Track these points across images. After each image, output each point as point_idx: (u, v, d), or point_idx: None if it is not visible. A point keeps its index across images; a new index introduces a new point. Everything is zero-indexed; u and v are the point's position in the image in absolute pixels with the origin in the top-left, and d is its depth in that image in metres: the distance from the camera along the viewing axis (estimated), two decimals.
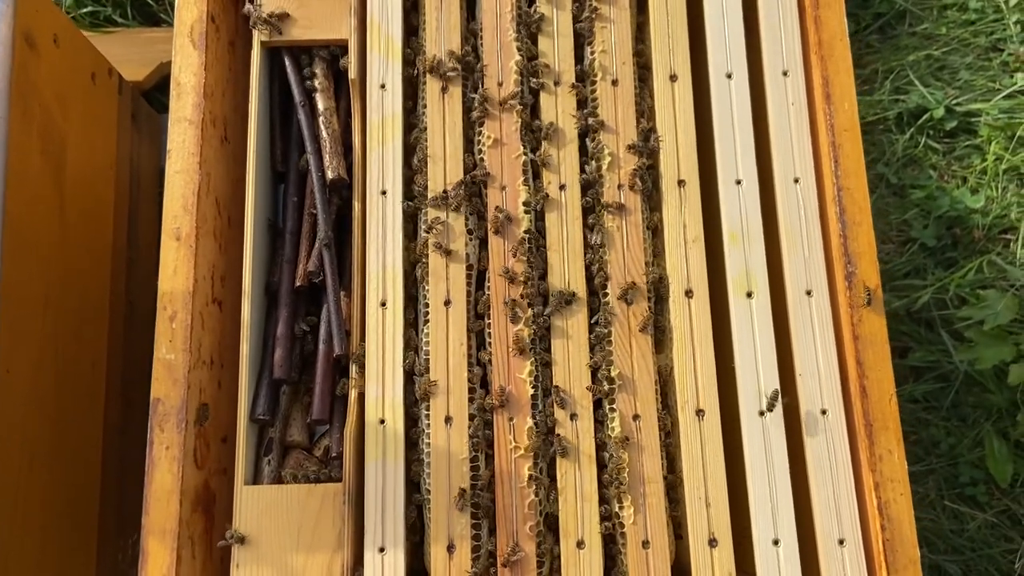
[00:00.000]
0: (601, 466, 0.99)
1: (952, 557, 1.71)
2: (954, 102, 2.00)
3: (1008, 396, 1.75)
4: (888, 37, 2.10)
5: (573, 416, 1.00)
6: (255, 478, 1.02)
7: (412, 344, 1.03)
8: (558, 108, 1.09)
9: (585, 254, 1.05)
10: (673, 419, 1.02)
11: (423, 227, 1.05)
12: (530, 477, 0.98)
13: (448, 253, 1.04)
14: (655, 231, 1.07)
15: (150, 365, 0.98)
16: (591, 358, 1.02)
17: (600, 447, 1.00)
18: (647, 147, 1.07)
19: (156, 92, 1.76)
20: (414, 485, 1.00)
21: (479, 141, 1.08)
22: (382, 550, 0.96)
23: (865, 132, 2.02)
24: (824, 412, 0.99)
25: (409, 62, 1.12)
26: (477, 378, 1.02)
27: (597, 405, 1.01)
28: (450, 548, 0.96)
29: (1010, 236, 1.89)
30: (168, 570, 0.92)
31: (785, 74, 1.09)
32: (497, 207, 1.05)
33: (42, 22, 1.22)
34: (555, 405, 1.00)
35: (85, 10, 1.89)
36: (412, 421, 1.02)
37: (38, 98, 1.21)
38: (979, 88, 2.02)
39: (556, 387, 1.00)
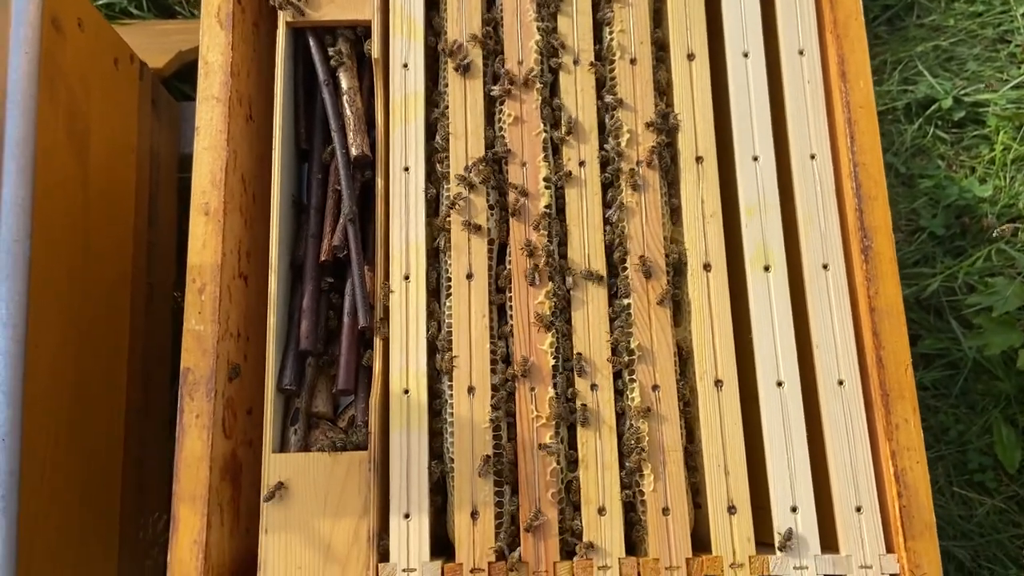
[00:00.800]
0: (621, 435, 1.01)
1: (961, 543, 1.73)
2: (962, 92, 2.01)
3: (1017, 383, 1.77)
4: (896, 28, 2.12)
5: (594, 387, 1.02)
6: (282, 447, 1.04)
7: (436, 316, 1.05)
8: (577, 87, 1.11)
9: (604, 229, 1.07)
10: (692, 390, 1.03)
11: (446, 202, 1.07)
12: (548, 446, 0.99)
13: (470, 228, 1.06)
14: (674, 206, 1.09)
15: (171, 346, 1.00)
16: (611, 331, 1.04)
17: (620, 417, 1.02)
18: (666, 125, 1.09)
19: (175, 80, 1.78)
20: (438, 454, 1.02)
21: (500, 119, 1.10)
22: (407, 516, 0.97)
23: None
24: (841, 383, 1.01)
25: (431, 43, 1.14)
26: (499, 350, 1.03)
27: (617, 376, 1.03)
28: (474, 515, 0.97)
29: (1019, 224, 1.91)
30: (199, 535, 0.94)
31: (801, 53, 1.11)
32: (517, 184, 1.07)
33: (68, 6, 1.24)
34: (576, 374, 1.01)
35: (101, 1, 1.92)
36: (436, 392, 1.03)
37: (64, 80, 1.23)
38: (987, 79, 2.04)
39: (579, 354, 1.02)
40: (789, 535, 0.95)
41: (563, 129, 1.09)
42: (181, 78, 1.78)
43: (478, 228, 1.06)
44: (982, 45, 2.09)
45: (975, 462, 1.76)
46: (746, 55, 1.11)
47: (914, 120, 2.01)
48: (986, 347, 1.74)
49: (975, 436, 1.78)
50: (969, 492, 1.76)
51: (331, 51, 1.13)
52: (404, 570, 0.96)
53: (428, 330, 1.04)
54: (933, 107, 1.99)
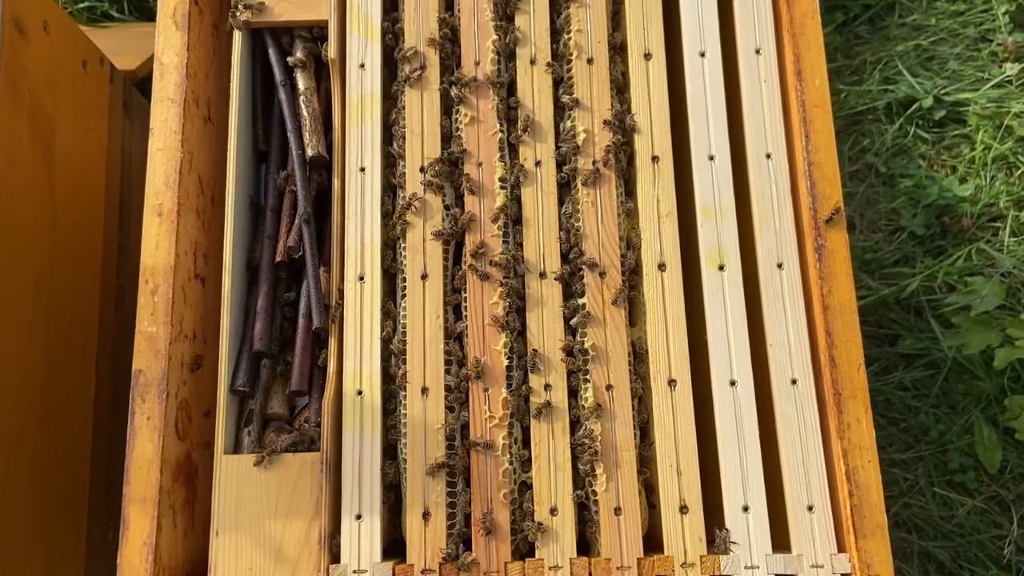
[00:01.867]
0: (575, 435, 1.00)
1: (941, 543, 1.72)
2: (943, 92, 2.01)
3: (997, 383, 1.76)
4: (877, 28, 2.12)
5: (547, 387, 1.01)
6: (235, 449, 1.04)
7: (390, 316, 1.05)
8: (534, 86, 1.10)
9: (560, 228, 1.07)
10: (646, 389, 1.03)
11: (401, 202, 1.07)
12: (503, 446, 0.99)
13: (425, 228, 1.06)
14: (628, 208, 1.09)
15: None
16: (565, 330, 1.03)
17: (574, 417, 1.01)
18: (622, 125, 1.09)
19: (148, 82, 1.78)
20: (391, 455, 1.02)
21: (456, 119, 1.10)
22: (359, 517, 0.97)
23: (854, 122, 2.04)
24: (794, 382, 1.00)
25: (388, 42, 1.14)
26: (454, 350, 1.03)
27: (571, 376, 1.03)
28: (426, 515, 0.97)
29: (998, 224, 1.90)
30: (148, 537, 0.94)
31: (758, 52, 1.10)
32: (473, 183, 1.07)
33: (32, 8, 1.25)
34: (529, 370, 1.01)
35: (82, 5, 1.92)
36: (389, 392, 1.03)
37: (27, 82, 1.23)
38: (968, 78, 2.03)
39: (534, 350, 1.02)
40: (725, 538, 0.95)
41: (519, 129, 1.09)
42: None
43: (433, 229, 1.06)
44: (963, 44, 2.08)
45: (956, 462, 1.76)
46: (703, 54, 1.11)
47: (895, 120, 2.01)
48: (965, 346, 1.73)
49: (956, 436, 1.77)
50: (950, 492, 1.76)
51: (290, 59, 1.13)
52: (355, 571, 0.96)
53: (383, 331, 1.03)
54: (914, 106, 1.99)
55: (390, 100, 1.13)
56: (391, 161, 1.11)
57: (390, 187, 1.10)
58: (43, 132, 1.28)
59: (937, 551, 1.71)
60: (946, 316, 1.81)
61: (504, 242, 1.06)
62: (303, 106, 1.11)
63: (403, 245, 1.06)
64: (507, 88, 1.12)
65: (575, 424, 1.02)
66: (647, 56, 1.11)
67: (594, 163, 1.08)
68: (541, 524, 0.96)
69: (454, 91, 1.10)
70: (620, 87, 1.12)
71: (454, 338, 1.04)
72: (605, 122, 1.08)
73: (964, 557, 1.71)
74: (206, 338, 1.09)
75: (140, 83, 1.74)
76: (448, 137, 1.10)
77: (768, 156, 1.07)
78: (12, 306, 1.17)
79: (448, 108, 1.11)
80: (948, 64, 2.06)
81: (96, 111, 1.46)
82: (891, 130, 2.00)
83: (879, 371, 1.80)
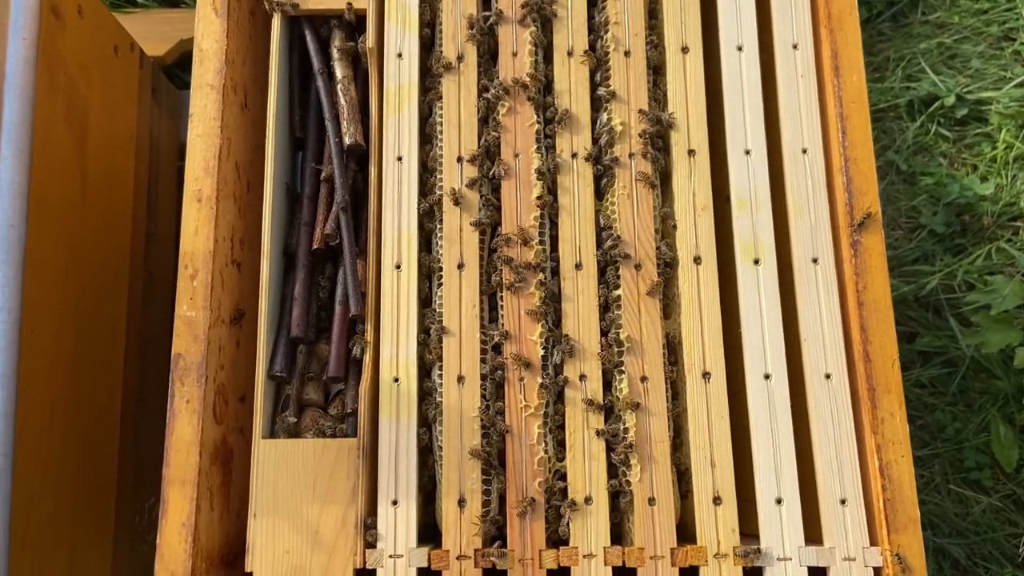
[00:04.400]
0: (608, 425, 1.01)
1: (956, 540, 1.73)
2: (965, 90, 2.01)
3: (1015, 382, 1.77)
4: (900, 25, 2.12)
5: (582, 377, 1.02)
6: (272, 433, 1.05)
7: (428, 305, 1.05)
8: (571, 78, 1.11)
9: (596, 220, 1.07)
10: (680, 382, 1.04)
11: (438, 192, 1.08)
12: (539, 435, 1.00)
13: (462, 217, 1.06)
14: (665, 199, 1.09)
15: (168, 334, 1.00)
16: (600, 321, 1.04)
17: (608, 408, 1.02)
18: (659, 118, 1.09)
19: (176, 69, 1.79)
20: (426, 442, 1.03)
21: (494, 109, 1.11)
22: (395, 503, 0.98)
23: (876, 119, 2.04)
24: (828, 376, 1.01)
25: (425, 34, 1.14)
26: (489, 339, 1.04)
27: (606, 367, 1.04)
28: (461, 502, 0.98)
29: (1019, 223, 1.90)
30: (187, 519, 0.95)
31: (795, 47, 1.11)
32: (510, 173, 1.07)
33: None
34: (567, 356, 1.02)
35: None
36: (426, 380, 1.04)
37: (63, 67, 1.24)
38: (990, 76, 2.03)
39: (566, 336, 1.02)
40: (756, 553, 0.95)
41: (557, 121, 1.09)
42: (183, 67, 1.79)
43: (466, 218, 1.06)
44: (986, 43, 2.08)
45: (972, 460, 1.76)
46: (740, 48, 1.11)
47: (916, 117, 2.01)
48: (984, 345, 1.73)
49: (972, 434, 1.78)
50: (965, 490, 1.76)
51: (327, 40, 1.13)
52: (391, 556, 0.97)
53: (419, 319, 1.04)
54: (936, 104, 1.99)
55: (428, 91, 1.13)
56: (428, 152, 1.11)
57: (428, 177, 1.10)
58: (77, 117, 1.29)
59: (952, 548, 1.72)
60: (965, 315, 1.82)
61: (540, 233, 1.06)
62: (340, 94, 1.12)
63: (440, 234, 1.06)
64: (545, 79, 1.12)
65: (609, 414, 1.02)
66: (684, 50, 1.11)
67: (631, 156, 1.08)
68: (574, 502, 0.97)
69: (492, 89, 1.10)
70: (657, 80, 1.12)
71: (491, 328, 1.05)
72: (640, 112, 1.08)
73: (979, 555, 1.72)
74: (242, 324, 1.10)
75: (167, 69, 1.74)
76: (485, 129, 1.10)
77: (804, 151, 1.07)
78: (44, 289, 1.18)
79: (485, 99, 1.12)
80: (971, 62, 2.05)
81: (126, 97, 1.47)
82: (912, 128, 2.00)
83: None
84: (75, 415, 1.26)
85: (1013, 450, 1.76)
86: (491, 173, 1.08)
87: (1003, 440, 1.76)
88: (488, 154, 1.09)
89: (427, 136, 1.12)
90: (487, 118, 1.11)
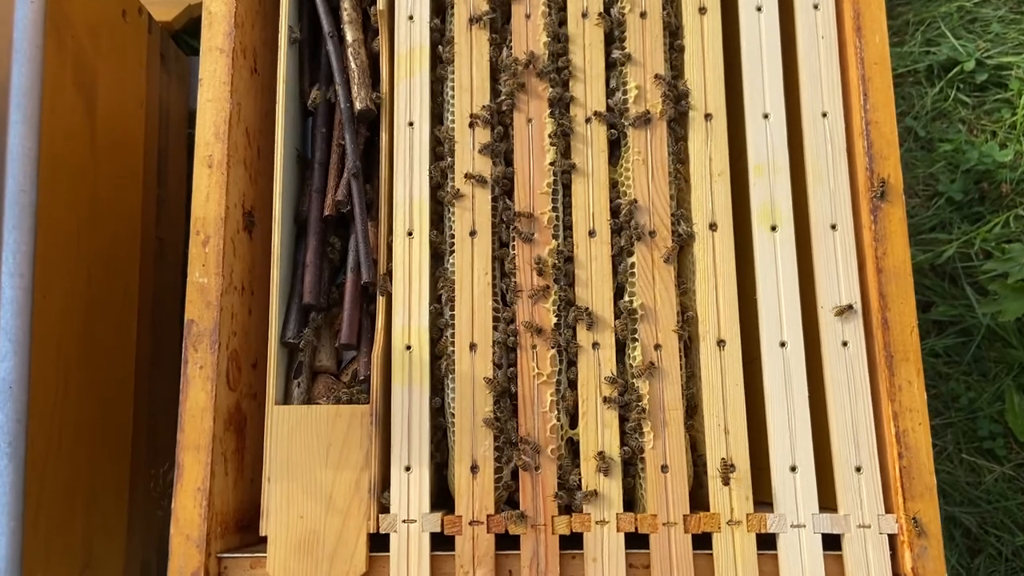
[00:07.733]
0: (622, 393, 1.01)
1: (968, 509, 1.72)
2: (985, 55, 1.97)
3: None
4: None
5: (595, 345, 1.01)
6: (285, 400, 1.04)
7: (438, 273, 1.05)
8: (585, 40, 1.09)
9: (610, 186, 1.06)
10: (695, 349, 1.03)
11: (449, 157, 1.07)
12: (551, 402, 1.00)
13: (474, 183, 1.05)
14: (681, 163, 1.08)
15: (179, 301, 1.00)
16: (614, 288, 1.03)
17: (622, 375, 1.01)
18: (675, 82, 1.07)
19: (184, 34, 1.77)
20: (438, 409, 1.02)
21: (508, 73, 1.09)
22: (408, 469, 0.98)
23: (895, 84, 2.00)
24: (845, 344, 1.00)
25: None
26: (501, 307, 1.03)
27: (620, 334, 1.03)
28: (474, 469, 0.98)
29: None
30: (202, 483, 0.95)
31: (816, 7, 1.08)
32: (522, 138, 1.06)
33: None
34: (578, 324, 1.01)
35: None
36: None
37: (71, 30, 1.22)
38: (1011, 41, 1.99)
39: (580, 307, 1.01)
40: (730, 467, 0.95)
41: (570, 83, 1.07)
42: (191, 32, 1.77)
43: (478, 184, 1.05)
44: (1007, 6, 2.03)
45: (985, 429, 1.75)
46: (759, 9, 1.08)
47: (935, 82, 1.97)
48: (1000, 314, 1.71)
49: (986, 403, 1.77)
50: (978, 459, 1.76)
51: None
52: (404, 521, 0.97)
53: (431, 286, 1.03)
54: (955, 69, 1.95)
55: (439, 55, 1.12)
56: (439, 115, 1.10)
57: (439, 142, 1.09)
58: (86, 81, 1.27)
59: (964, 517, 1.72)
60: (981, 284, 1.79)
61: (553, 200, 1.05)
62: (351, 58, 1.10)
63: (451, 200, 1.05)
64: (559, 42, 1.10)
65: (623, 381, 1.02)
66: (702, 10, 1.09)
67: (646, 120, 1.06)
68: (595, 492, 0.97)
69: (505, 51, 1.08)
70: (673, 43, 1.10)
71: (503, 295, 1.04)
72: (656, 76, 1.06)
73: (991, 523, 1.72)
74: (254, 290, 1.09)
75: (176, 35, 1.72)
76: (498, 92, 1.09)
77: (824, 115, 1.05)
78: (56, 255, 1.17)
79: (499, 64, 1.10)
80: (991, 27, 2.01)
81: (135, 62, 1.45)
82: (931, 93, 1.97)
83: None
84: (89, 381, 1.27)
85: None
86: (503, 138, 1.07)
87: (1017, 410, 1.75)
88: (501, 119, 1.08)
89: (439, 102, 1.10)
90: (500, 83, 1.09)
